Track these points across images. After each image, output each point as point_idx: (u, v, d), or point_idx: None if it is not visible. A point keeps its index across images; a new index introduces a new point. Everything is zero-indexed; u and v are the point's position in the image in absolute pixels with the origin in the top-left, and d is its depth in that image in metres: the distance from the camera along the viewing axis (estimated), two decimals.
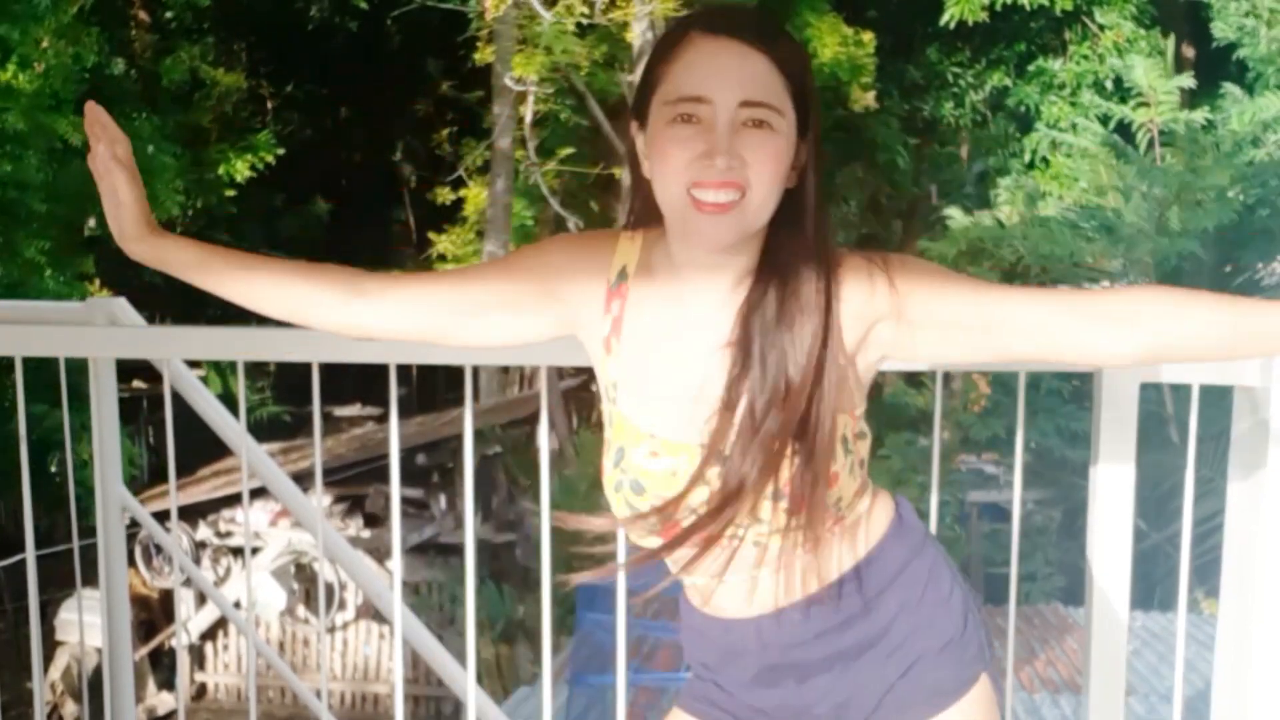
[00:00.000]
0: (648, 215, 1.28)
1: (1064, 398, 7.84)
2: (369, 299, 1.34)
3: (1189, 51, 11.25)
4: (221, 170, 11.78)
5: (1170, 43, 8.59)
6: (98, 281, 9.16)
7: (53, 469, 7.04)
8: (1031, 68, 12.05)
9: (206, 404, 2.37)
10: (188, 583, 9.07)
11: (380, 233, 17.14)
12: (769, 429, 1.19)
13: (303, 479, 7.68)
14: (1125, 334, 1.19)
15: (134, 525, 2.76)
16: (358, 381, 13.43)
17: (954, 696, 1.31)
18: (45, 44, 7.42)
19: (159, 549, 9.76)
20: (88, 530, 2.35)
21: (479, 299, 1.34)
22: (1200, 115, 7.97)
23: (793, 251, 1.23)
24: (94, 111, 1.29)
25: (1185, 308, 1.19)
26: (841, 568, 1.30)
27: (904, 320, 1.22)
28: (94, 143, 1.29)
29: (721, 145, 1.16)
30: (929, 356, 1.26)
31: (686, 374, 1.25)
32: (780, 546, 1.24)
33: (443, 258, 12.71)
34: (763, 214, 1.20)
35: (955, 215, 8.17)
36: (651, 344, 1.28)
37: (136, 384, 12.77)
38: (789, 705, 1.37)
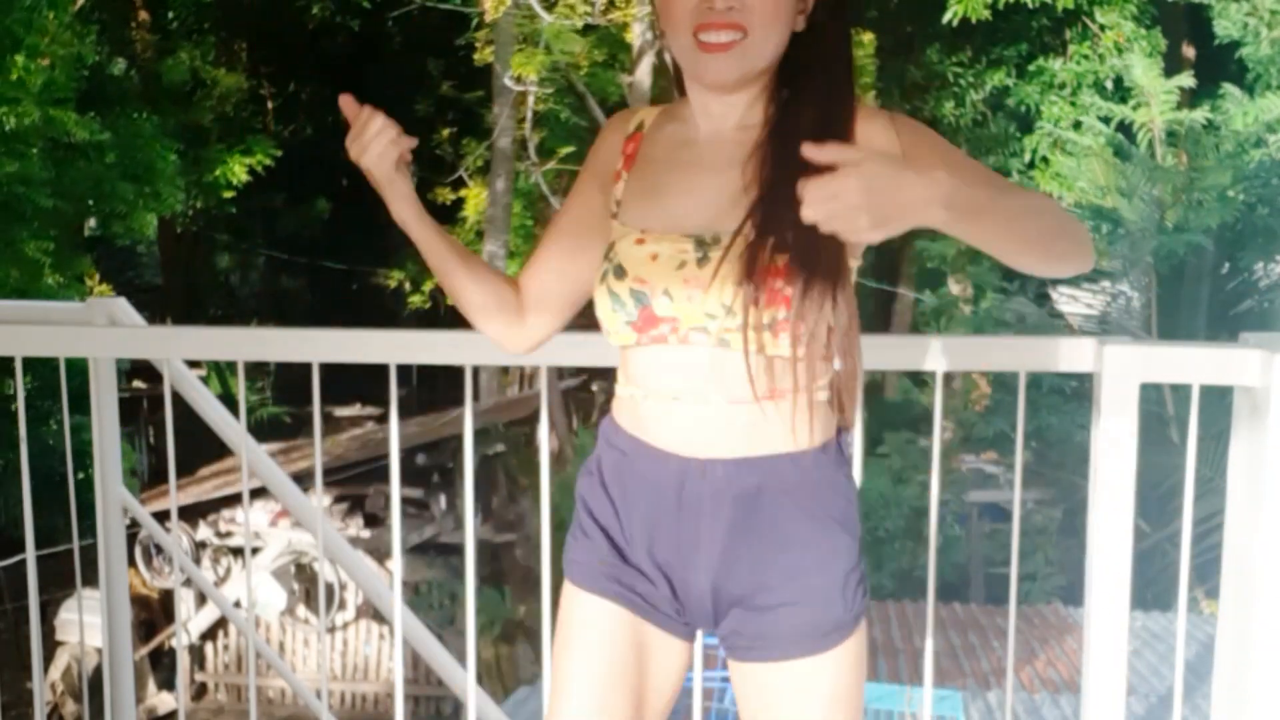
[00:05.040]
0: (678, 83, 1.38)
1: (1065, 396, 7.84)
2: (524, 313, 1.46)
3: (1190, 51, 11.25)
4: (220, 171, 11.79)
5: (1165, 43, 8.60)
6: (97, 276, 9.13)
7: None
8: (1032, 67, 12.03)
9: (206, 404, 2.37)
10: (188, 583, 9.07)
11: (380, 233, 17.12)
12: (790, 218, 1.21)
13: (303, 479, 7.67)
14: None
15: (134, 525, 2.76)
16: (358, 381, 13.42)
17: (834, 640, 1.30)
18: (50, 37, 7.40)
19: (159, 549, 9.76)
20: (88, 530, 2.35)
21: (572, 246, 1.43)
22: (1201, 115, 7.97)
23: (803, 97, 1.29)
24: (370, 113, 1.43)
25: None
26: (779, 448, 1.29)
27: None
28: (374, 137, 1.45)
29: None
30: None
31: (687, 199, 1.32)
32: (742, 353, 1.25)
33: None
34: (764, 53, 1.27)
35: None
36: (659, 171, 1.37)
37: (136, 384, 12.77)
38: (678, 565, 1.33)
